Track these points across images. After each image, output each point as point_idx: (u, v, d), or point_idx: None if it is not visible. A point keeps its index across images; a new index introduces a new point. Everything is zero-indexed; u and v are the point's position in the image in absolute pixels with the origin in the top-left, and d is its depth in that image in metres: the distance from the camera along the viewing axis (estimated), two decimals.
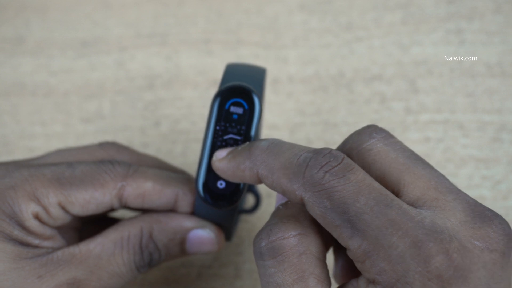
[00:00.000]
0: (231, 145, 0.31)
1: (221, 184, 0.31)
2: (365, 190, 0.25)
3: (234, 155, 0.29)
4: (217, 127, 0.31)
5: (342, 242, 0.26)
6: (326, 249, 0.28)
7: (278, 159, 0.27)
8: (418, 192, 0.26)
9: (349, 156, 0.28)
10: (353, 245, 0.25)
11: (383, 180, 0.27)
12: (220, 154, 0.30)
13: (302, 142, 0.46)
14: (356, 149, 0.28)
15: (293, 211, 0.27)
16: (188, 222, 0.33)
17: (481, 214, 0.26)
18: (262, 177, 0.28)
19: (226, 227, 0.34)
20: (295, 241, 0.26)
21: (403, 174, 0.27)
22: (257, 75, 0.33)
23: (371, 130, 0.29)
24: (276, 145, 0.28)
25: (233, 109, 0.31)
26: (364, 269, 0.25)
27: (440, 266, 0.24)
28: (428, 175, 0.27)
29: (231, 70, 0.32)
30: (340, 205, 0.25)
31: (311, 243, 0.26)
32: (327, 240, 0.29)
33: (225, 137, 0.31)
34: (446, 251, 0.24)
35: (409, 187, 0.27)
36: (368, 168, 0.27)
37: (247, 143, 0.29)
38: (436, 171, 0.28)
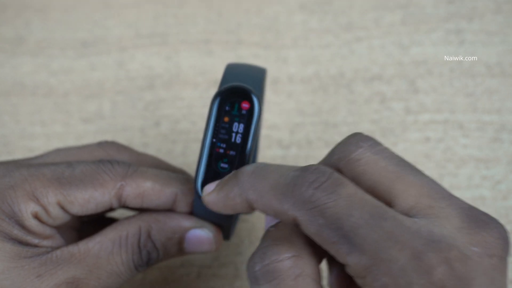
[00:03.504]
0: (230, 146, 0.31)
1: None
2: (357, 204, 0.24)
3: (222, 185, 0.29)
4: (216, 128, 0.31)
5: (340, 259, 0.25)
6: (320, 262, 0.27)
7: (265, 181, 0.27)
8: (411, 201, 0.26)
9: (337, 167, 0.28)
10: (352, 261, 0.24)
11: (374, 190, 0.26)
12: (209, 187, 0.29)
13: (302, 142, 0.46)
14: (343, 159, 0.27)
15: (285, 233, 0.27)
16: (186, 221, 0.33)
17: (476, 218, 0.25)
18: (252, 202, 0.27)
19: (225, 226, 0.34)
20: (290, 264, 0.25)
21: (395, 183, 0.26)
22: (257, 75, 0.33)
23: (357, 139, 0.28)
24: (262, 168, 0.27)
25: (232, 109, 0.31)
26: (366, 284, 0.24)
27: (443, 276, 0.23)
28: (419, 182, 0.26)
29: (231, 70, 0.32)
30: (334, 221, 0.24)
31: (306, 265, 0.26)
32: (321, 253, 0.28)
33: (224, 137, 0.31)
34: (447, 260, 0.23)
35: (402, 196, 0.26)
36: (358, 179, 0.27)
37: (233, 171, 0.29)
38: (426, 176, 0.27)
